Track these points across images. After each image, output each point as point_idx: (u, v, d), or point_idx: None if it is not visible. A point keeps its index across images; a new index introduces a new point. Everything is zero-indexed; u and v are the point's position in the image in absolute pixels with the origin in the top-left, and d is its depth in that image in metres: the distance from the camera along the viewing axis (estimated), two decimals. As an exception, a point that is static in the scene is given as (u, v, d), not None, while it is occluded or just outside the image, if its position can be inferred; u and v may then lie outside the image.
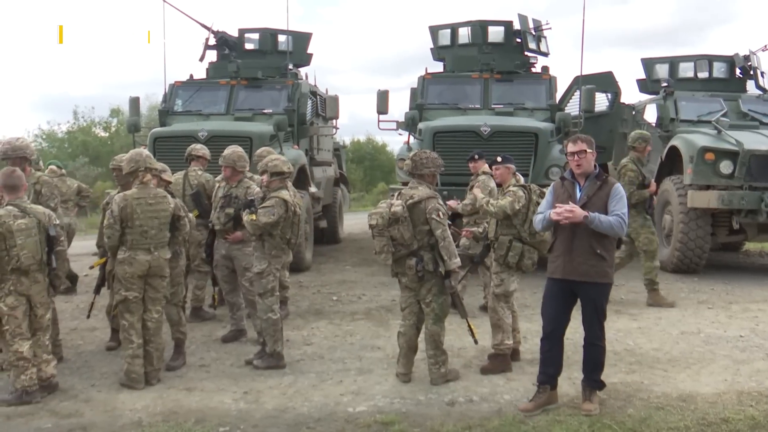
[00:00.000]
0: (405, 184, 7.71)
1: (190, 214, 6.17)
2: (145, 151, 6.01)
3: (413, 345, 5.57)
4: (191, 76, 12.31)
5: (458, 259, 5.32)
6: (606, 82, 12.49)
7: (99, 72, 68.19)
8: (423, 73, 12.02)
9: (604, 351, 4.91)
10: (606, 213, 4.65)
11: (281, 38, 12.84)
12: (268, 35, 12.90)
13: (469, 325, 5.56)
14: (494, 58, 11.89)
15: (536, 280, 7.88)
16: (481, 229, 6.38)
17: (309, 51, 13.18)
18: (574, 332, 5.16)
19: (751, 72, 12.30)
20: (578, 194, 4.78)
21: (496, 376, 5.62)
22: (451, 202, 7.20)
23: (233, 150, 6.75)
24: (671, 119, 11.22)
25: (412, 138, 10.99)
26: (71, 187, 9.94)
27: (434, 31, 13.02)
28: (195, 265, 7.37)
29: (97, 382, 5.64)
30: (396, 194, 5.50)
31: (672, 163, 10.76)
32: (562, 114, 11.09)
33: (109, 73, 66.00)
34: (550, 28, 12.81)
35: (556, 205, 4.74)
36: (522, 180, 6.07)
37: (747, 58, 12.28)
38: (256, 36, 13.05)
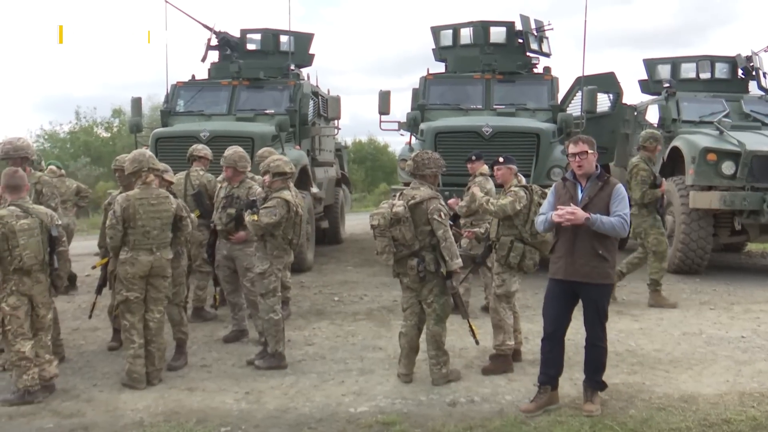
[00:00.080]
0: (407, 184, 7.70)
1: (192, 215, 6.18)
2: (148, 152, 6.02)
3: (415, 345, 5.57)
4: (193, 76, 12.33)
5: (460, 260, 5.32)
6: (608, 82, 12.49)
7: (100, 72, 68.29)
8: (425, 73, 12.03)
9: (605, 352, 4.91)
10: (608, 214, 4.65)
11: (283, 39, 12.85)
12: (270, 36, 12.92)
13: (470, 326, 5.56)
14: (496, 59, 11.89)
15: (538, 280, 7.87)
16: (482, 230, 6.38)
17: (311, 51, 13.19)
18: (576, 333, 5.16)
19: (754, 73, 12.29)
20: (580, 195, 4.77)
21: (498, 377, 5.62)
22: (452, 201, 7.20)
23: (234, 150, 6.75)
24: (673, 120, 11.21)
25: (413, 138, 10.99)
26: (70, 187, 9.95)
27: (436, 31, 13.02)
28: (197, 265, 7.38)
29: (98, 382, 5.64)
30: (398, 195, 5.50)
31: (674, 163, 10.75)
32: (564, 114, 11.09)
33: (111, 73, 66.08)
34: (552, 29, 12.83)
35: (558, 207, 4.73)
36: (523, 181, 6.07)
37: (749, 58, 12.26)
38: (257, 36, 13.07)
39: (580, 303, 4.87)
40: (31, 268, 5.12)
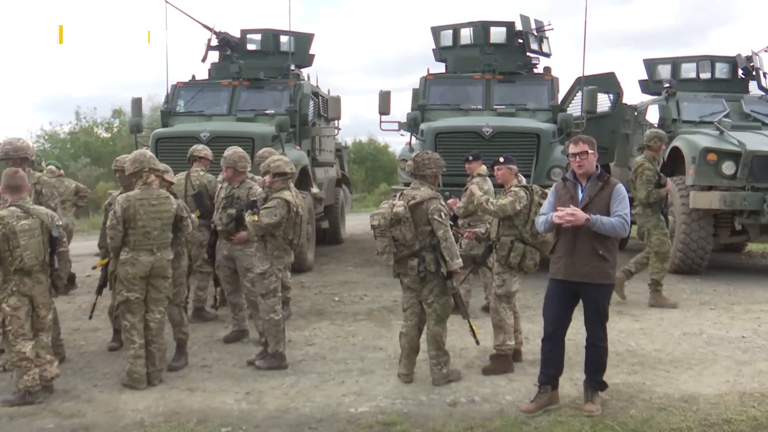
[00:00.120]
0: (407, 184, 7.71)
1: (193, 215, 6.18)
2: (149, 152, 6.02)
3: (415, 345, 5.57)
4: (193, 76, 12.34)
5: (460, 260, 5.32)
6: (608, 82, 12.49)
7: (100, 72, 68.29)
8: (425, 73, 12.04)
9: (606, 352, 4.91)
10: (608, 214, 4.65)
11: (283, 39, 12.85)
12: (270, 36, 12.92)
13: (470, 326, 5.56)
14: (496, 59, 11.89)
15: (538, 280, 7.88)
16: (482, 230, 6.38)
17: (311, 52, 13.19)
18: (576, 333, 5.16)
19: (754, 73, 12.29)
20: (580, 195, 4.77)
21: (498, 377, 5.62)
22: (450, 201, 7.20)
23: (234, 151, 6.75)
24: (673, 120, 11.21)
25: (413, 139, 11.00)
26: (69, 187, 9.96)
27: (436, 31, 13.02)
28: (197, 265, 7.38)
29: (99, 383, 5.64)
30: (398, 195, 5.50)
31: (674, 164, 10.75)
32: (564, 115, 11.09)
33: (111, 73, 66.07)
34: (552, 29, 12.83)
35: (558, 208, 4.73)
36: (524, 181, 6.07)
37: (749, 58, 12.27)
38: (258, 37, 13.07)
39: (581, 303, 4.87)
40: (31, 268, 5.12)
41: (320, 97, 12.83)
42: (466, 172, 7.77)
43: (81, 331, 7.24)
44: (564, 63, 76.62)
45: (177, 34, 26.01)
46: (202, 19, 15.29)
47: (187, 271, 6.32)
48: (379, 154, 40.74)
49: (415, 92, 11.90)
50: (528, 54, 12.37)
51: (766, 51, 12.44)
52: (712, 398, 5.12)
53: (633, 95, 36.54)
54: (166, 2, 11.65)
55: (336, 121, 13.74)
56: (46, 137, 35.29)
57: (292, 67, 12.24)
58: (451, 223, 5.57)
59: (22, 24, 66.32)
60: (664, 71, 12.83)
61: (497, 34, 12.50)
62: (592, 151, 4.75)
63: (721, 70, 12.52)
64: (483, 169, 7.67)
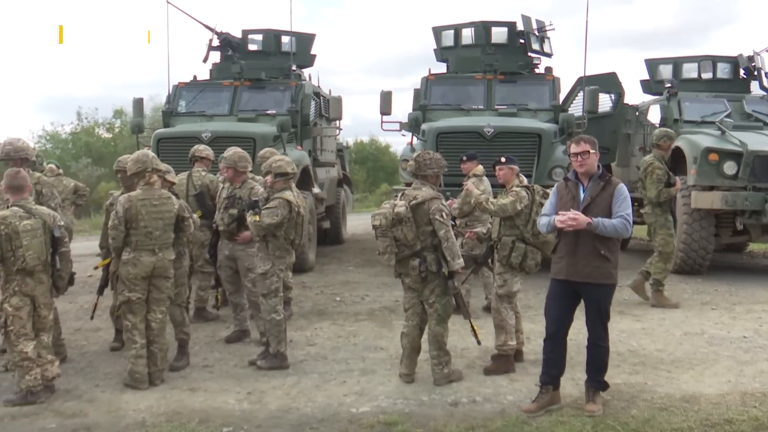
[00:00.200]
0: (408, 184, 7.71)
1: (195, 215, 6.18)
2: (151, 153, 6.03)
3: (416, 346, 5.57)
4: (195, 77, 12.34)
5: (461, 260, 5.32)
6: (609, 82, 12.48)
7: (101, 73, 68.38)
8: (426, 74, 12.04)
9: (607, 352, 4.91)
10: (610, 213, 4.65)
11: (284, 39, 12.86)
12: (272, 36, 12.93)
13: (472, 326, 5.57)
14: (497, 59, 11.88)
15: (539, 280, 7.87)
16: (484, 230, 6.38)
17: (312, 52, 13.19)
18: (578, 333, 5.16)
19: (755, 73, 12.28)
20: (582, 195, 4.77)
21: (499, 377, 5.62)
22: (449, 202, 7.20)
23: (234, 151, 6.76)
24: (675, 120, 11.20)
25: (415, 139, 11.01)
26: (68, 186, 9.97)
27: (437, 32, 13.02)
28: (198, 265, 7.39)
29: (101, 383, 5.65)
30: (399, 195, 5.50)
31: (676, 164, 10.74)
32: (566, 115, 11.09)
33: (112, 73, 66.17)
34: (553, 29, 12.82)
35: (560, 213, 4.72)
36: (525, 181, 6.07)
37: (751, 58, 12.26)
38: (259, 37, 13.09)
39: (582, 303, 4.87)
40: (33, 268, 5.13)
41: (321, 98, 12.84)
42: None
43: (83, 331, 7.25)
44: (565, 63, 76.68)
45: (178, 35, 26.07)
46: (203, 19, 15.29)
47: (189, 271, 6.33)
48: (380, 154, 40.76)
49: (417, 92, 11.90)
50: (529, 54, 12.36)
51: (767, 51, 12.43)
52: (714, 398, 5.12)
53: (634, 95, 36.60)
54: (168, 2, 11.66)
55: (337, 122, 13.74)
56: (48, 137, 35.37)
57: (294, 68, 12.24)
58: (452, 223, 5.57)
59: (22, 24, 66.46)
60: (666, 71, 12.83)
61: (498, 34, 12.50)
62: (593, 151, 4.74)
63: (723, 70, 12.51)
64: (479, 169, 7.68)
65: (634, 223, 5.32)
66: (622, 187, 4.75)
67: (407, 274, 5.40)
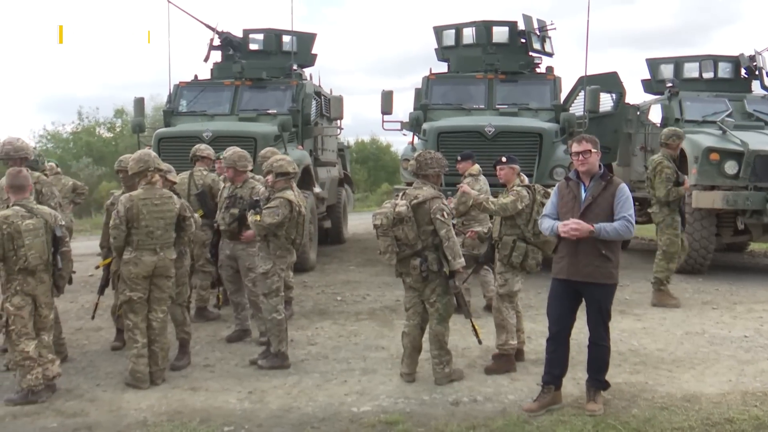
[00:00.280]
0: (409, 184, 7.71)
1: (196, 215, 6.19)
2: (153, 152, 6.03)
3: (417, 345, 5.57)
4: (196, 76, 12.36)
5: (462, 259, 5.32)
6: (610, 82, 12.47)
7: (102, 72, 68.48)
8: (427, 73, 12.04)
9: (608, 351, 4.91)
10: (612, 213, 4.65)
11: (285, 39, 12.87)
12: (273, 36, 12.93)
13: (473, 326, 5.57)
14: (498, 59, 11.89)
15: (540, 280, 7.88)
16: (485, 230, 6.38)
17: (313, 51, 13.20)
18: (579, 332, 5.16)
19: (757, 72, 12.28)
20: (583, 194, 4.76)
21: (501, 376, 5.62)
22: (447, 200, 7.20)
23: (233, 150, 6.77)
24: (676, 119, 11.20)
25: (416, 138, 11.01)
26: (66, 184, 9.98)
27: (438, 31, 13.02)
28: (199, 265, 7.40)
29: (102, 382, 5.65)
30: (400, 194, 5.50)
31: (676, 163, 10.73)
32: (567, 114, 11.10)
33: (112, 73, 66.26)
34: (554, 28, 12.82)
35: (563, 223, 4.71)
36: (526, 180, 6.07)
37: (752, 58, 12.26)
38: (260, 36, 13.09)
39: (584, 302, 4.87)
40: (35, 268, 5.13)
41: (322, 97, 12.84)
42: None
43: (84, 331, 7.26)
44: (566, 62, 76.68)
45: (179, 34, 26.10)
46: (204, 18, 15.31)
47: (190, 270, 6.33)
48: (381, 153, 40.77)
49: (418, 92, 11.90)
50: (530, 53, 12.36)
51: (768, 50, 12.43)
52: (715, 397, 5.12)
53: (635, 95, 36.61)
54: (169, 2, 11.66)
55: (338, 121, 13.74)
56: (49, 137, 35.43)
57: (295, 67, 12.24)
58: (453, 222, 5.57)
59: (22, 24, 66.50)
60: (667, 71, 12.83)
61: (500, 34, 12.50)
62: (595, 150, 4.74)
63: (724, 70, 12.51)
64: (474, 168, 7.69)
65: (637, 222, 5.32)
66: (624, 187, 4.75)
67: (408, 274, 5.40)
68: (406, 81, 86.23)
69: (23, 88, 64.69)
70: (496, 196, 6.20)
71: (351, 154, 21.49)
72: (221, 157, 6.99)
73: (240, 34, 12.97)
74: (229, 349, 6.56)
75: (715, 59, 12.56)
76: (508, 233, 5.76)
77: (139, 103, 12.07)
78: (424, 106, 11.45)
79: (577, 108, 11.89)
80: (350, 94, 72.69)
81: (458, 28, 12.80)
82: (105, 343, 6.79)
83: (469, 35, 12.68)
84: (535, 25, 12.44)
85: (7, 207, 5.24)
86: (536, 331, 6.68)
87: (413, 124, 11.20)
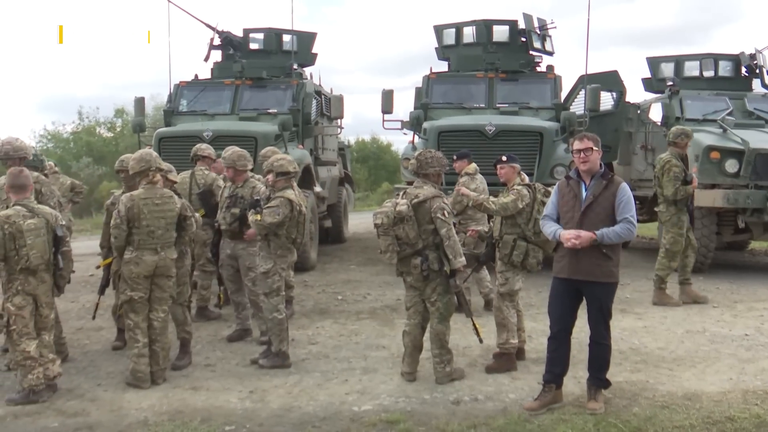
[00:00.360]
0: (410, 183, 7.72)
1: (197, 214, 6.19)
2: (154, 152, 6.02)
3: (418, 344, 5.57)
4: (196, 76, 12.35)
5: (463, 258, 5.32)
6: (611, 81, 12.47)
7: (102, 72, 68.51)
8: (427, 72, 12.05)
9: (609, 350, 4.91)
10: (613, 212, 4.64)
11: (286, 38, 12.86)
12: (273, 35, 12.92)
13: (474, 324, 5.57)
14: (499, 58, 11.89)
15: (541, 279, 7.89)
16: (486, 229, 6.39)
17: (313, 51, 13.19)
18: (580, 331, 5.16)
19: (757, 71, 12.27)
20: (584, 193, 4.76)
21: (501, 375, 5.63)
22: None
23: (233, 150, 6.77)
24: (676, 118, 11.19)
25: (416, 137, 11.00)
26: (64, 183, 9.98)
27: (439, 30, 13.02)
28: (200, 264, 7.40)
29: (103, 382, 5.66)
30: (401, 193, 5.50)
31: (685, 162, 10.73)
32: (567, 113, 11.09)
33: (113, 73, 66.30)
34: (555, 27, 12.81)
35: (565, 234, 4.71)
36: (527, 179, 6.07)
37: (753, 56, 12.25)
38: (260, 36, 13.08)
39: (585, 301, 4.87)
40: (37, 267, 5.13)
41: (323, 96, 12.84)
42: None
43: (85, 331, 7.26)
44: (567, 61, 76.57)
45: (179, 34, 26.09)
46: (204, 18, 15.30)
47: (191, 270, 6.33)
48: (381, 152, 40.79)
49: (418, 91, 11.89)
50: (531, 52, 12.36)
51: (769, 49, 12.42)
52: (715, 396, 5.12)
53: (636, 93, 36.58)
54: (169, 1, 11.66)
55: (339, 120, 13.73)
56: (49, 137, 35.44)
57: (295, 66, 12.24)
58: (454, 222, 5.58)
59: (22, 24, 66.52)
60: (668, 69, 12.81)
61: (500, 33, 12.50)
62: (596, 149, 4.73)
63: (725, 68, 12.50)
64: (471, 167, 7.69)
65: (638, 221, 5.31)
66: (625, 187, 4.74)
67: (409, 273, 5.40)
68: (406, 80, 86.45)
69: (23, 88, 64.77)
70: (496, 195, 6.20)
71: (351, 154, 21.47)
72: (221, 157, 6.98)
73: (240, 34, 12.96)
74: (230, 349, 6.56)
75: (716, 58, 12.55)
76: (509, 232, 5.76)
77: (140, 102, 12.07)
78: (424, 105, 11.45)
79: (578, 107, 11.88)
80: (350, 93, 72.82)
81: (458, 27, 12.80)
82: (106, 342, 6.79)
83: (469, 34, 12.68)
84: (536, 24, 12.43)
85: (8, 207, 5.24)
86: (537, 330, 6.68)
87: (414, 123, 11.20)
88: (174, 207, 5.64)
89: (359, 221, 17.60)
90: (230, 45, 12.66)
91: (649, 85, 13.16)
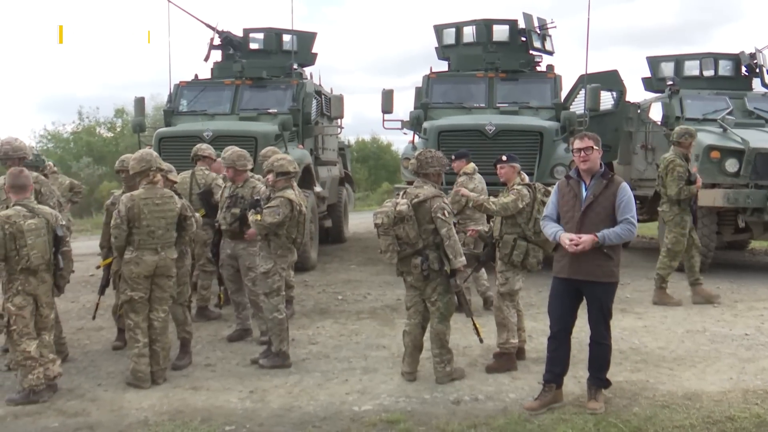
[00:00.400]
0: (410, 183, 7.72)
1: (197, 214, 6.19)
2: (154, 152, 6.02)
3: (418, 344, 5.57)
4: (196, 76, 12.35)
5: (463, 258, 5.31)
6: (611, 80, 12.47)
7: (102, 72, 68.48)
8: (427, 72, 12.05)
9: (609, 349, 4.91)
10: (613, 212, 4.64)
11: (286, 38, 12.86)
12: (273, 35, 12.92)
13: (474, 324, 5.57)
14: (499, 57, 11.88)
15: (541, 278, 7.89)
16: (486, 228, 6.39)
17: (313, 51, 13.19)
18: (580, 331, 5.16)
19: (757, 70, 12.26)
20: (584, 193, 4.75)
21: (502, 375, 5.63)
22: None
23: (232, 150, 6.77)
24: (677, 117, 11.19)
25: (416, 137, 11.00)
26: (63, 183, 9.98)
27: (439, 30, 13.02)
28: (200, 264, 7.39)
29: (103, 382, 5.66)
30: (401, 193, 5.50)
31: (689, 162, 10.73)
32: (567, 113, 11.09)
33: (113, 73, 66.28)
34: (555, 27, 12.81)
35: (568, 237, 4.71)
36: (527, 179, 6.06)
37: (753, 56, 12.25)
38: (260, 36, 13.08)
39: (585, 301, 4.87)
40: (37, 267, 5.13)
41: (323, 96, 12.84)
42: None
43: (85, 331, 7.27)
44: (567, 61, 76.62)
45: (179, 34, 26.09)
46: (204, 18, 15.32)
47: (191, 269, 6.33)
48: (381, 152, 40.78)
49: (418, 91, 11.89)
50: (531, 52, 12.36)
51: (769, 48, 12.42)
52: (716, 395, 5.12)
53: (636, 93, 36.58)
54: (169, 1, 11.66)
55: (339, 120, 13.73)
56: (49, 137, 35.44)
57: (295, 66, 12.24)
58: (454, 222, 5.58)
59: (22, 24, 66.53)
60: (668, 69, 12.80)
61: (500, 32, 12.49)
62: (597, 148, 4.73)
63: (725, 68, 12.49)
64: (469, 167, 7.69)
65: (638, 221, 5.31)
66: (625, 187, 4.74)
67: (409, 273, 5.40)
68: (406, 80, 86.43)
69: (23, 88, 64.75)
70: (496, 195, 6.20)
71: (351, 153, 21.47)
72: (221, 157, 6.97)
73: (240, 34, 12.96)
74: (231, 349, 6.56)
75: (716, 57, 12.55)
76: (509, 232, 5.76)
77: (140, 102, 12.06)
78: (424, 105, 11.44)
79: (578, 106, 11.87)
80: (351, 93, 72.81)
81: (458, 27, 12.79)
82: (106, 342, 6.79)
83: (469, 34, 12.68)
84: (536, 24, 12.43)
85: (8, 207, 5.24)
86: (537, 330, 6.68)
87: (414, 123, 11.20)
88: (174, 207, 5.64)
89: (359, 221, 17.60)
90: (230, 45, 12.66)
91: (649, 84, 13.16)
